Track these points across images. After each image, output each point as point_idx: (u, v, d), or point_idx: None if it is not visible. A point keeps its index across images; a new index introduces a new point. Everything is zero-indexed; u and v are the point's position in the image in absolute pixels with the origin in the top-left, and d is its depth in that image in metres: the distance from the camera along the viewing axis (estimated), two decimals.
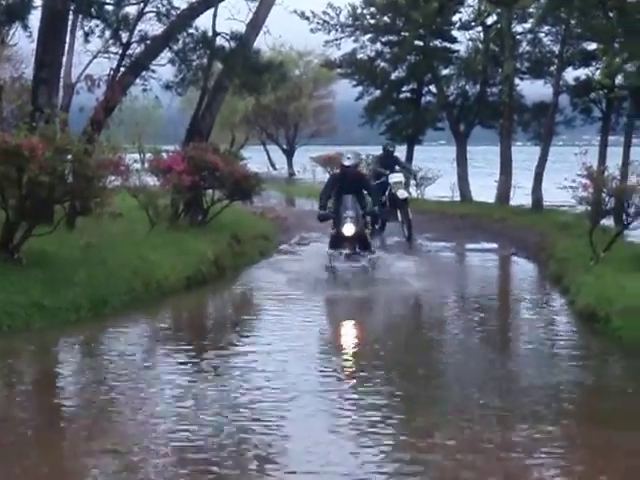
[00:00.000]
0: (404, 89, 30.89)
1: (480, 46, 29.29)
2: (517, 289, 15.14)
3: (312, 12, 28.79)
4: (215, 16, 19.56)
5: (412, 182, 27.36)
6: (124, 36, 18.85)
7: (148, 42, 18.97)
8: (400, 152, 24.76)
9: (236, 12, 20.31)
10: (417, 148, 31.21)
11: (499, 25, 27.72)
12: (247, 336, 10.58)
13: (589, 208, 14.42)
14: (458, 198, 28.93)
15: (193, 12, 19.20)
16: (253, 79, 20.41)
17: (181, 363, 9.05)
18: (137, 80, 19.10)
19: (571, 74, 25.47)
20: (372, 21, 29.16)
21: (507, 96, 26.95)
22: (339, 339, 11.05)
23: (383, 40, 29.81)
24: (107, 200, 11.75)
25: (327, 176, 23.97)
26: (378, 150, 22.08)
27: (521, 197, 26.57)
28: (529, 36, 27.55)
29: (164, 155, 17.63)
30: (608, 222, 15.50)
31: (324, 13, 28.83)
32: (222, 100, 20.55)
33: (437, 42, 29.68)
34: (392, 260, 15.14)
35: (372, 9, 28.90)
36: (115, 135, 18.03)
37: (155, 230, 15.17)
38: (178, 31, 19.17)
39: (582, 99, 24.91)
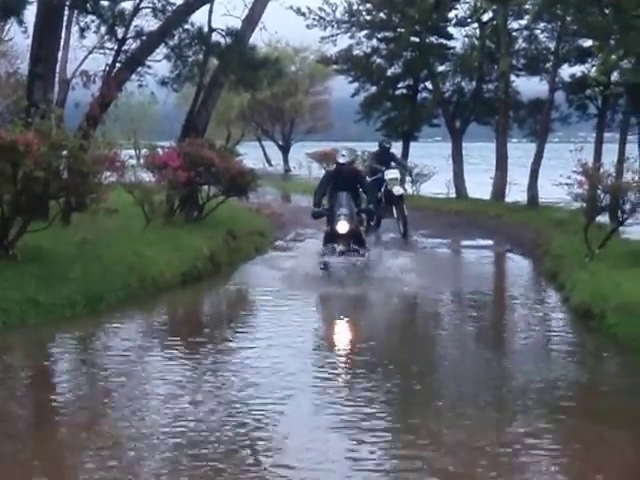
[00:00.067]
0: (400, 85, 30.88)
1: (476, 43, 29.30)
2: (512, 286, 15.15)
3: (308, 8, 28.80)
4: (211, 12, 19.58)
5: (408, 179, 27.34)
6: (120, 32, 18.84)
7: (144, 38, 18.95)
8: (396, 149, 24.75)
9: (232, 8, 20.34)
10: (413, 144, 31.22)
11: (495, 22, 27.73)
12: (242, 332, 10.58)
13: (584, 205, 14.44)
14: (454, 195, 28.96)
15: (189, 8, 19.19)
16: (249, 75, 20.39)
17: (176, 359, 9.05)
18: (133, 76, 19.10)
19: (567, 71, 25.55)
20: (368, 17, 29.12)
21: (503, 93, 26.97)
22: (332, 336, 11.05)
23: (379, 36, 29.77)
24: (102, 196, 11.74)
25: (323, 172, 23.95)
26: (374, 146, 22.06)
27: (517, 194, 26.56)
28: (525, 33, 27.57)
29: (160, 151, 17.61)
30: (603, 219, 15.50)
31: (320, 9, 28.86)
32: (218, 96, 20.53)
33: (433, 38, 29.66)
34: (387, 256, 15.13)
35: (368, 5, 28.87)
36: (111, 131, 17.96)
37: (151, 226, 15.17)
38: (174, 27, 19.15)
39: (578, 96, 24.93)
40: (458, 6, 28.96)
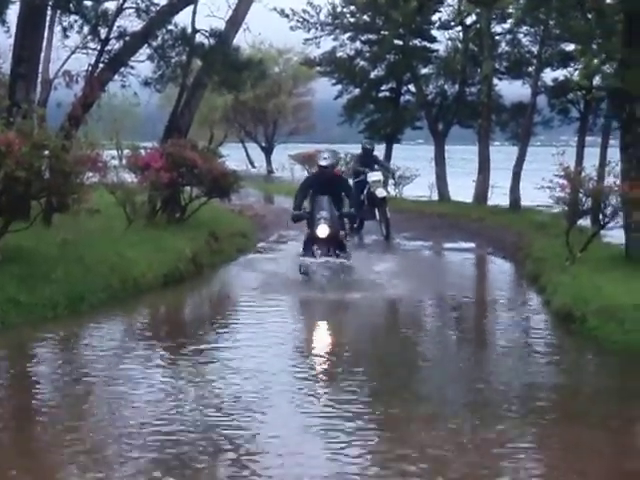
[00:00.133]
0: (383, 88, 30.94)
1: (459, 46, 29.43)
2: (494, 289, 15.20)
3: (292, 10, 28.77)
4: (194, 13, 19.54)
5: (390, 181, 27.39)
6: (103, 32, 18.76)
7: (127, 38, 18.88)
8: (379, 151, 24.79)
9: (216, 9, 20.34)
10: (396, 147, 31.27)
11: (478, 25, 27.86)
12: (223, 333, 10.57)
13: (566, 208, 14.49)
14: (436, 197, 29.02)
15: (172, 9, 19.17)
16: (232, 76, 20.37)
17: (157, 359, 9.04)
18: (116, 76, 19.04)
19: (549, 75, 25.67)
20: (352, 20, 29.18)
21: (485, 96, 27.07)
22: (312, 338, 11.04)
23: (362, 39, 29.85)
24: (84, 196, 11.69)
25: (305, 174, 23.93)
26: (357, 149, 22.09)
27: (499, 197, 26.67)
28: (508, 36, 27.71)
29: (142, 152, 17.56)
30: (585, 222, 15.58)
31: (304, 11, 28.85)
32: (201, 97, 20.52)
33: (416, 41, 29.74)
34: (369, 259, 15.12)
35: (352, 8, 28.92)
36: (93, 131, 17.95)
37: (132, 227, 15.13)
38: (157, 27, 19.11)
39: (560, 100, 25.02)
40: (442, 9, 29.12)
